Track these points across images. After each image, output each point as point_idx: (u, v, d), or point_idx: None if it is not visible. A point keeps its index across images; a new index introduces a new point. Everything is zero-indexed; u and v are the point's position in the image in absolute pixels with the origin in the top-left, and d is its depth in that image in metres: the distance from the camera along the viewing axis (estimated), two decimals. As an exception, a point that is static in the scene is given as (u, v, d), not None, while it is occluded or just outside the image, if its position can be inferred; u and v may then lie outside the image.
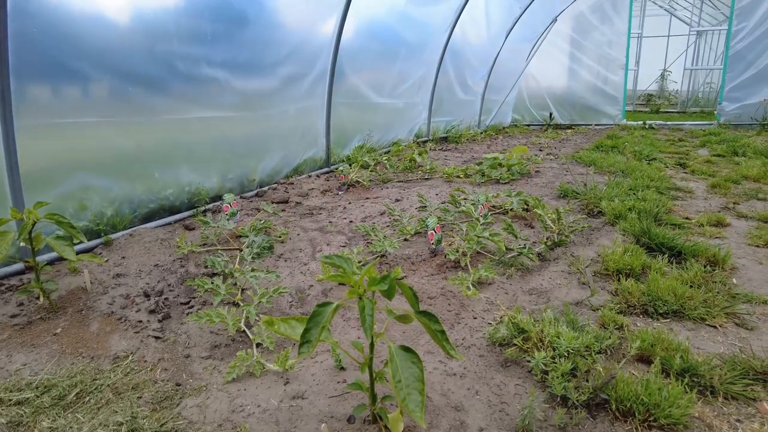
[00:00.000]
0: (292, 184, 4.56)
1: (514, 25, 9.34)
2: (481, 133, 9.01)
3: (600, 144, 6.77)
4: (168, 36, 3.37)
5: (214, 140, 3.99)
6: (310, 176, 4.91)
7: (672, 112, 14.74)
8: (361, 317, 1.26)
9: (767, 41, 9.83)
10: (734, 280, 2.50)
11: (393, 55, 5.99)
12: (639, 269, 2.45)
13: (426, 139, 7.67)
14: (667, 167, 5.70)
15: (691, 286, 2.32)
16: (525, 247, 2.63)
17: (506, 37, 9.32)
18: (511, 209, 3.46)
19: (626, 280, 2.33)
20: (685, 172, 5.45)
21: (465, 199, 3.64)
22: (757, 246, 3.00)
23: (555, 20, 10.95)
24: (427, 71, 7.06)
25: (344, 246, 3.10)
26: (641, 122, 10.78)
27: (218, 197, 3.91)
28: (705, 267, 2.55)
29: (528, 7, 9.27)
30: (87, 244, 2.96)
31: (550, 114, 11.06)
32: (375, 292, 1.40)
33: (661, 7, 17.76)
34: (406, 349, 1.30)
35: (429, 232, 2.77)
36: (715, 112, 10.90)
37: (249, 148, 4.28)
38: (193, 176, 3.80)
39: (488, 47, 9.01)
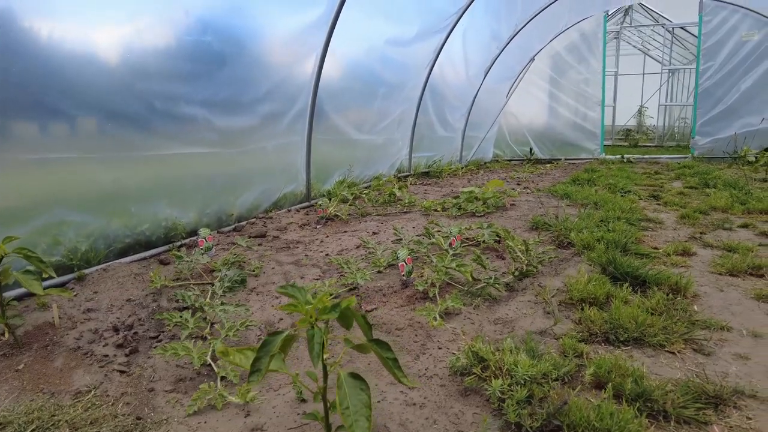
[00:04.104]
0: (271, 218, 4.61)
1: (492, 65, 9.67)
2: (462, 168, 9.19)
3: (576, 178, 6.94)
4: (148, 75, 3.47)
5: (192, 176, 4.05)
6: (289, 210, 4.96)
7: (649, 146, 15.17)
8: (309, 345, 1.29)
9: (733, 79, 10.29)
10: (695, 307, 2.56)
11: (372, 93, 6.17)
12: (603, 298, 2.51)
13: (408, 173, 7.81)
14: (641, 199, 5.85)
15: (652, 314, 2.38)
16: (492, 278, 2.68)
17: (485, 76, 9.63)
18: (483, 241, 3.53)
19: (589, 308, 2.38)
20: (658, 204, 5.59)
21: (439, 231, 3.70)
22: (720, 274, 3.08)
23: (533, 59, 11.36)
24: (406, 108, 7.26)
25: (318, 279, 3.13)
26: (619, 156, 11.07)
27: (195, 232, 3.93)
28: (667, 295, 2.62)
29: (505, 47, 9.63)
30: (59, 279, 2.95)
31: (530, 149, 11.33)
32: (329, 322, 1.44)
33: (635, 47, 18.55)
34: (356, 377, 1.32)
35: (400, 264, 2.81)
36: (690, 146, 11.25)
37: (228, 183, 4.34)
38: (170, 211, 3.83)
39: (467, 86, 9.30)
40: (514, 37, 9.57)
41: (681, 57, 15.65)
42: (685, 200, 5.73)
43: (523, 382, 1.69)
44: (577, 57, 11.35)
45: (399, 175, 7.50)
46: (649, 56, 18.41)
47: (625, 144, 15.27)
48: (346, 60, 5.67)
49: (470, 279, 2.63)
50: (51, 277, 2.59)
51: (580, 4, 10.17)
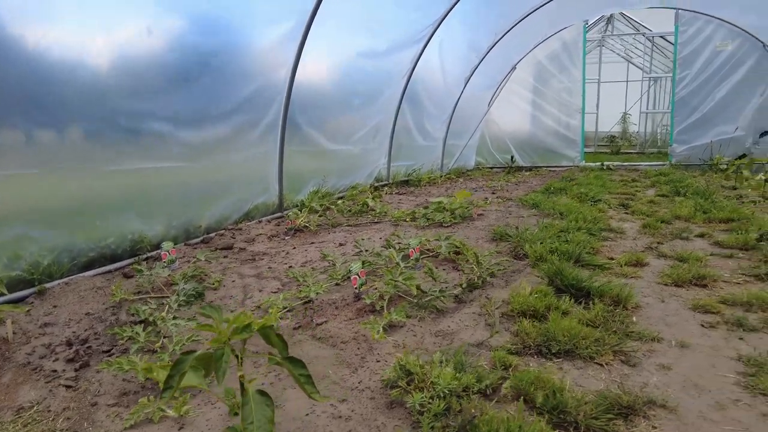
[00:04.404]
0: (241, 230, 4.67)
1: (472, 74, 9.80)
2: (442, 176, 9.29)
3: (550, 186, 7.05)
4: (114, 90, 3.53)
5: (159, 189, 4.11)
6: (260, 222, 5.03)
7: (631, 152, 15.37)
8: (216, 365, 1.36)
9: (708, 88, 10.48)
10: (634, 318, 2.65)
11: (346, 104, 6.26)
12: (543, 310, 2.59)
13: (386, 182, 7.89)
14: (611, 208, 5.96)
15: (589, 326, 2.47)
16: (441, 290, 2.76)
17: (465, 85, 9.76)
18: (440, 253, 3.61)
19: (527, 321, 2.46)
20: (626, 213, 5.71)
21: (399, 243, 3.78)
22: (666, 284, 3.18)
23: (514, 68, 11.51)
24: (383, 119, 7.35)
25: (276, 292, 3.19)
26: (599, 163, 11.22)
27: (162, 245, 3.99)
28: (609, 306, 2.71)
29: (485, 57, 9.77)
30: (17, 294, 3.00)
31: (512, 157, 11.47)
32: (246, 339, 1.51)
33: (618, 54, 18.80)
34: (263, 394, 1.40)
35: (352, 278, 2.89)
36: (668, 153, 11.42)
37: (196, 196, 4.40)
38: (136, 224, 3.88)
39: (447, 95, 9.42)
40: (493, 46, 9.71)
41: (662, 65, 15.90)
42: (654, 209, 5.85)
43: (442, 395, 1.77)
44: (558, 66, 11.50)
45: (377, 184, 7.59)
46: (632, 64, 18.67)
47: (608, 151, 15.47)
48: (319, 72, 5.76)
49: (417, 292, 2.71)
50: (2, 294, 2.63)
51: (559, 15, 10.31)
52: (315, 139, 5.84)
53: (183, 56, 3.95)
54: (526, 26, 9.76)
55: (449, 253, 3.58)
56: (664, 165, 11.09)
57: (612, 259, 3.72)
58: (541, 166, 11.54)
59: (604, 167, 10.92)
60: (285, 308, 2.84)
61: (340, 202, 5.78)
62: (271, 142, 5.14)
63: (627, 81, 18.68)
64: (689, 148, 10.77)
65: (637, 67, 18.52)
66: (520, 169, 11.47)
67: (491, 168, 11.77)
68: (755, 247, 3.92)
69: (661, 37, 14.42)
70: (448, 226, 4.80)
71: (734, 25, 9.97)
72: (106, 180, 3.70)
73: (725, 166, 8.42)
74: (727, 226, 4.73)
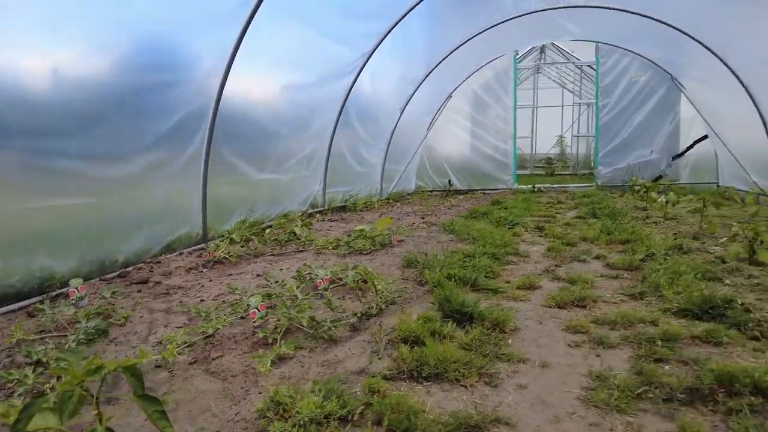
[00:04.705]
0: (160, 262, 4.69)
1: (407, 103, 10.19)
2: (380, 201, 9.54)
3: (475, 211, 7.40)
4: (19, 129, 3.55)
5: (72, 225, 4.10)
6: (181, 253, 5.06)
7: (565, 174, 16.22)
8: (63, 405, 1.46)
9: (627, 114, 11.32)
10: (510, 341, 2.89)
11: (275, 134, 6.42)
12: (425, 335, 2.79)
13: (321, 209, 8.05)
14: (526, 231, 6.33)
15: (465, 349, 2.69)
16: (334, 320, 2.92)
17: (401, 114, 10.13)
18: (346, 283, 3.78)
19: (406, 346, 2.65)
20: (539, 236, 6.08)
21: (310, 274, 3.93)
22: (549, 306, 3.46)
23: (450, 96, 12.03)
24: (317, 146, 7.55)
25: (181, 327, 3.26)
26: (531, 186, 11.81)
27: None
28: (488, 330, 2.94)
29: (420, 86, 10.19)
30: None
31: (449, 181, 11.90)
32: (103, 378, 1.62)
33: (553, 81, 19.89)
34: (110, 430, 1.51)
35: (251, 312, 3.01)
36: (594, 175, 12.16)
37: (112, 230, 4.41)
38: (46, 261, 3.86)
39: (383, 122, 9.74)
40: (427, 77, 10.15)
41: (591, 92, 16.97)
42: (566, 231, 6.25)
43: (302, 423, 1.91)
44: (492, 93, 12.11)
45: (312, 210, 7.73)
46: (567, 89, 19.81)
47: (543, 173, 16.27)
48: (247, 103, 5.90)
49: (308, 323, 2.86)
50: None
51: (490, 46, 10.88)
52: (241, 168, 5.94)
53: (94, 95, 4.01)
54: (459, 57, 10.26)
55: (356, 281, 3.75)
56: (590, 186, 11.81)
57: (509, 282, 4.00)
58: (476, 190, 12.02)
59: (535, 189, 11.50)
60: (185, 343, 2.92)
61: (267, 231, 5.88)
62: (194, 173, 5.22)
63: (562, 106, 19.79)
64: (613, 170, 11.53)
65: (570, 92, 19.66)
66: (457, 192, 11.90)
67: (431, 191, 12.15)
68: (639, 267, 4.31)
69: (588, 66, 15.45)
70: (367, 254, 4.99)
71: (646, 58, 10.86)
72: (13, 218, 3.68)
73: (638, 188, 9.08)
74: (623, 247, 5.14)
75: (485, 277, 3.99)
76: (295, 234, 5.76)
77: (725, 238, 5.43)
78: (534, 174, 16.08)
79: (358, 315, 3.11)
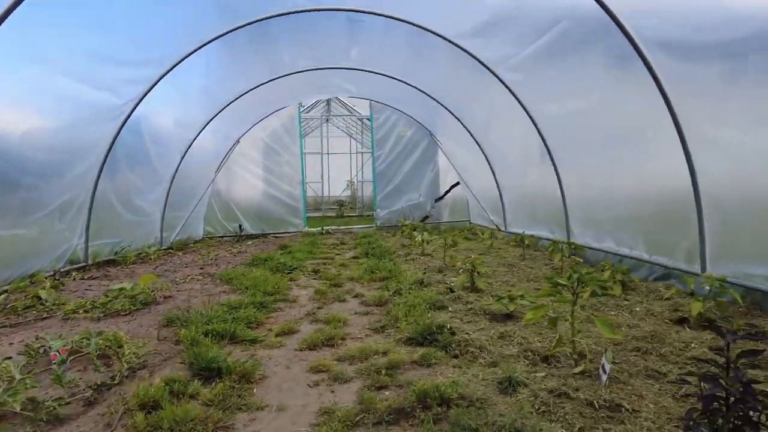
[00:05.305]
0: None
1: (189, 147, 9.90)
2: (158, 251, 8.95)
3: (256, 258, 7.52)
4: None
5: None
6: None
7: (353, 216, 17.53)
8: None
9: (398, 163, 12.88)
10: (255, 390, 3.05)
11: (12, 183, 5.59)
12: (165, 399, 2.77)
13: (83, 265, 7.20)
14: (304, 275, 6.68)
15: (208, 405, 2.75)
16: (58, 399, 2.69)
17: (182, 159, 9.77)
18: (89, 352, 3.51)
19: (142, 413, 2.60)
20: (315, 278, 6.48)
21: (43, 347, 3.53)
22: (302, 350, 3.74)
23: (238, 142, 12.07)
24: (75, 195, 6.80)
25: None
26: (320, 228, 12.45)
27: None
28: (235, 382, 3.06)
29: (201, 131, 10.02)
30: None
31: (240, 226, 11.81)
32: None
33: (342, 130, 21.51)
34: None
35: (-52, 401, 2.58)
36: (374, 217, 13.43)
37: None
38: None
39: (162, 168, 9.27)
40: (209, 122, 10.05)
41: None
42: (340, 272, 6.79)
43: None
44: (280, 141, 12.53)
45: (70, 268, 6.86)
46: (354, 138, 21.61)
47: (334, 215, 17.31)
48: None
49: (20, 408, 2.59)
50: None
51: (274, 97, 11.30)
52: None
53: None
54: (244, 105, 10.42)
55: (104, 349, 3.50)
56: (371, 227, 12.99)
57: (270, 330, 4.20)
58: (269, 234, 12.16)
59: (324, 232, 12.17)
60: None
61: (2, 297, 5.04)
62: None
63: (350, 153, 21.49)
64: (389, 212, 12.91)
65: (357, 141, 21.49)
66: (250, 237, 11.86)
67: (221, 237, 11.86)
68: (387, 302, 4.94)
69: (367, 119, 17.21)
70: (126, 315, 4.67)
71: (410, 116, 12.61)
72: None
73: (403, 228, 10.38)
74: (380, 284, 5.83)
75: (247, 327, 4.11)
76: (39, 298, 5.05)
77: (462, 269, 6.58)
78: (326, 216, 16.96)
79: (94, 387, 2.91)
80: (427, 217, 12.81)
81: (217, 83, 9.51)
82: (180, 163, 9.72)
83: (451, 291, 5.25)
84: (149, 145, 8.51)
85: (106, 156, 7.28)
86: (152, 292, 5.14)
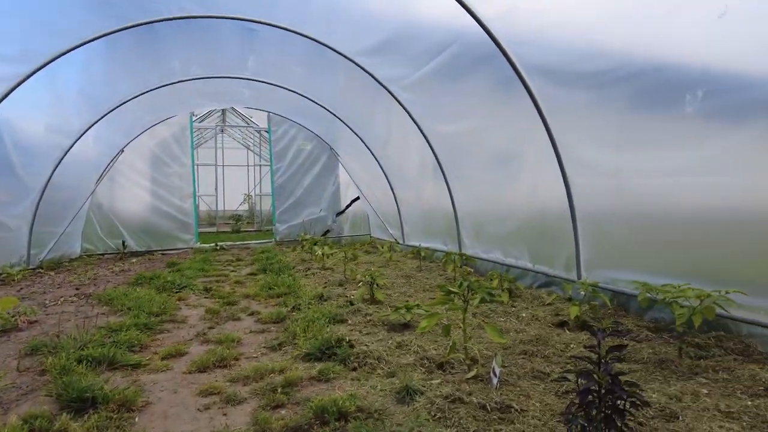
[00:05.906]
0: None
1: (64, 156, 8.93)
2: (24, 271, 7.91)
3: (141, 276, 6.94)
4: None
5: None
6: None
7: (250, 231, 16.91)
8: None
9: (298, 177, 12.70)
10: (137, 419, 2.79)
11: None
12: (26, 437, 2.43)
13: None
14: (194, 293, 6.28)
15: (78, 441, 2.45)
16: None
17: (55, 169, 8.79)
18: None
19: (-7, 458, 2.26)
20: (206, 297, 6.11)
21: None
22: (190, 372, 3.50)
23: (122, 151, 11.13)
24: None
25: None
26: (214, 244, 11.83)
27: None
28: (113, 412, 2.77)
29: (79, 139, 9.09)
30: None
31: (123, 242, 10.85)
32: None
33: (238, 141, 20.78)
34: None
35: None
36: (273, 232, 13.09)
37: None
38: None
39: (29, 178, 8.25)
40: (88, 129, 9.16)
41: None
42: (235, 290, 6.49)
43: None
44: (169, 151, 11.74)
45: None
46: (251, 150, 20.96)
47: (230, 230, 16.56)
48: None
49: None
50: None
51: (163, 104, 10.65)
52: None
53: None
54: (129, 113, 9.66)
55: (-56, 386, 2.99)
56: (270, 242, 12.63)
57: (156, 353, 3.88)
58: (156, 251, 11.30)
59: (218, 248, 11.58)
60: None
61: None
62: None
63: (247, 165, 20.76)
64: (289, 226, 12.65)
65: (255, 153, 20.87)
66: (134, 254, 10.93)
67: (102, 254, 10.78)
68: (285, 318, 4.81)
69: (265, 131, 16.82)
70: (-23, 345, 4.05)
71: (310, 130, 12.54)
72: None
73: (303, 243, 10.24)
74: (278, 301, 5.66)
75: (129, 351, 3.77)
76: None
77: (362, 282, 6.61)
78: (221, 231, 16.15)
79: (-71, 432, 2.47)
80: (328, 231, 12.76)
81: (100, 87, 8.73)
82: (53, 174, 8.73)
83: (351, 304, 5.26)
84: (12, 153, 7.54)
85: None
86: (13, 317, 4.51)
